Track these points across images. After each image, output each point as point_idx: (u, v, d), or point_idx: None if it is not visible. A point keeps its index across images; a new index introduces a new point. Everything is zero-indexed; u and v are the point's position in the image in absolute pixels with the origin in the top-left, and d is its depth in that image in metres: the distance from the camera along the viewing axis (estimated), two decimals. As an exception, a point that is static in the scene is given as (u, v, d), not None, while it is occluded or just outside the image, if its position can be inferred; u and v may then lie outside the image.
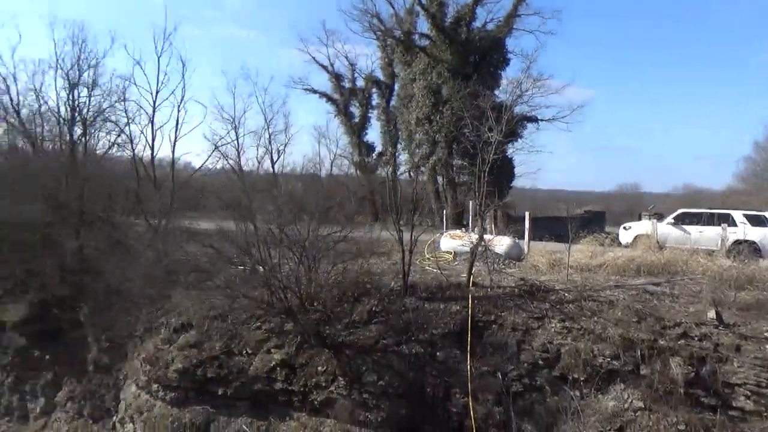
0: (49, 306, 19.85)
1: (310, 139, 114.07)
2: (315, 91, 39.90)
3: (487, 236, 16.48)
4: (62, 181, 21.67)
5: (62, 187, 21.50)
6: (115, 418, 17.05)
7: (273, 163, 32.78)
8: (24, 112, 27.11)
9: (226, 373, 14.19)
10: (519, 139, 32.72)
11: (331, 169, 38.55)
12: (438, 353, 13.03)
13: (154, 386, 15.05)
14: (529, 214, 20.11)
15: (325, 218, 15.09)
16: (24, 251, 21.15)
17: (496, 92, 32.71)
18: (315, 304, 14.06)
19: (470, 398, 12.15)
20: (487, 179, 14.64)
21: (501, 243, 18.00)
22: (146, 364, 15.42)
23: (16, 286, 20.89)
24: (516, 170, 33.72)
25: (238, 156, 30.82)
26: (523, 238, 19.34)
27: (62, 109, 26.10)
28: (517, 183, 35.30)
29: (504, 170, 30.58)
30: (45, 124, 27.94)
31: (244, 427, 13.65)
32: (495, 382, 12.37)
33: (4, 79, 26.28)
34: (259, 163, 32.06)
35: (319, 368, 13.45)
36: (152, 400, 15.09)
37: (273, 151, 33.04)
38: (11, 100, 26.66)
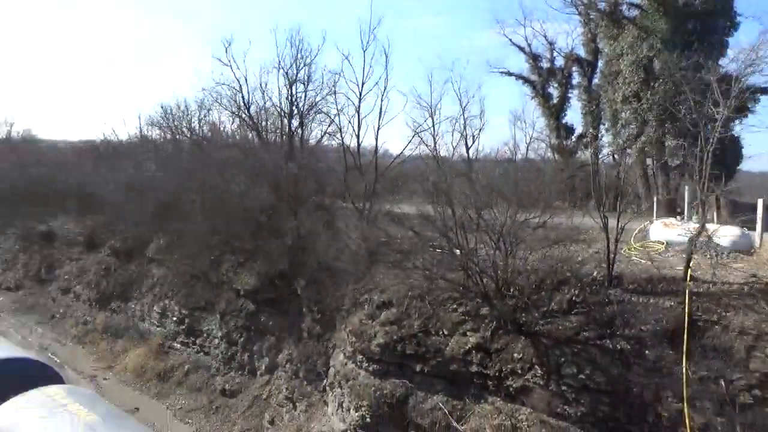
0: (273, 278, 22.56)
1: (505, 123, 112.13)
2: (511, 74, 38.99)
3: (709, 225, 14.67)
4: (283, 168, 24.37)
5: (282, 174, 24.20)
6: (325, 381, 18.88)
7: (467, 149, 32.86)
8: (252, 108, 30.92)
9: (423, 351, 14.80)
10: (750, 115, 28.37)
11: (527, 153, 37.44)
12: (647, 351, 12.03)
13: (359, 357, 16.30)
14: (763, 201, 17.39)
15: (523, 203, 14.79)
16: (253, 230, 24.36)
17: (722, 62, 28.67)
18: (511, 290, 13.96)
19: (686, 404, 11.02)
20: (710, 161, 13.02)
21: (726, 233, 15.85)
22: (352, 336, 16.76)
23: (247, 260, 24.14)
24: (744, 150, 29.31)
25: (434, 142, 31.58)
26: (754, 229, 16.79)
27: (283, 103, 29.22)
28: (745, 165, 30.71)
29: (730, 150, 26.77)
30: (269, 118, 31.60)
31: (440, 404, 14.11)
32: (716, 389, 11.04)
33: (238, 80, 30.22)
34: (454, 148, 32.42)
35: (515, 355, 13.33)
36: (357, 370, 16.37)
37: (468, 137, 33.09)
38: (243, 98, 30.60)
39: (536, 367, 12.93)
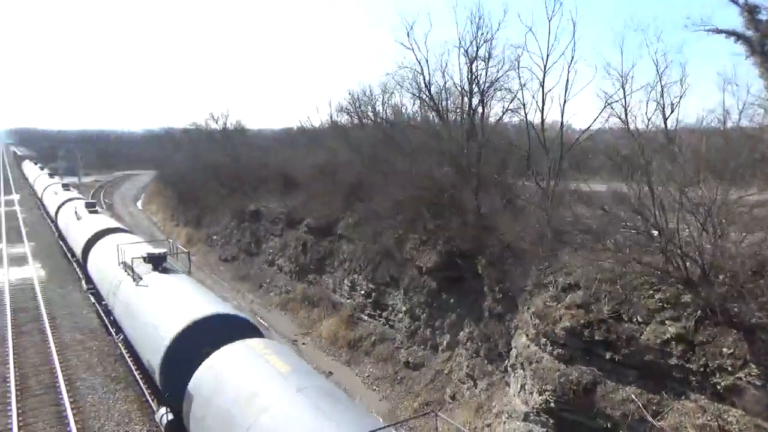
0: (454, 257, 22.86)
1: (712, 89, 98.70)
2: (720, 31, 34.13)
3: None
4: (463, 147, 24.41)
5: (463, 152, 24.25)
6: (506, 362, 18.72)
7: (665, 119, 29.61)
8: (433, 88, 31.31)
9: (614, 338, 13.87)
10: None
11: (740, 121, 32.62)
12: None
13: (542, 340, 15.82)
14: None
15: (737, 178, 12.98)
16: (435, 209, 24.87)
17: None
18: (721, 276, 12.40)
19: None
20: None
21: None
22: (535, 318, 16.32)
23: (429, 239, 24.75)
24: None
25: (625, 114, 28.96)
26: None
27: (463, 82, 29.10)
28: None
29: None
30: (449, 97, 31.75)
31: (632, 396, 13.14)
32: None
33: (419, 62, 30.79)
34: (649, 119, 29.44)
35: (725, 350, 11.86)
36: (540, 353, 15.92)
37: (665, 105, 29.80)
38: (424, 79, 31.13)
39: (751, 365, 11.37)
